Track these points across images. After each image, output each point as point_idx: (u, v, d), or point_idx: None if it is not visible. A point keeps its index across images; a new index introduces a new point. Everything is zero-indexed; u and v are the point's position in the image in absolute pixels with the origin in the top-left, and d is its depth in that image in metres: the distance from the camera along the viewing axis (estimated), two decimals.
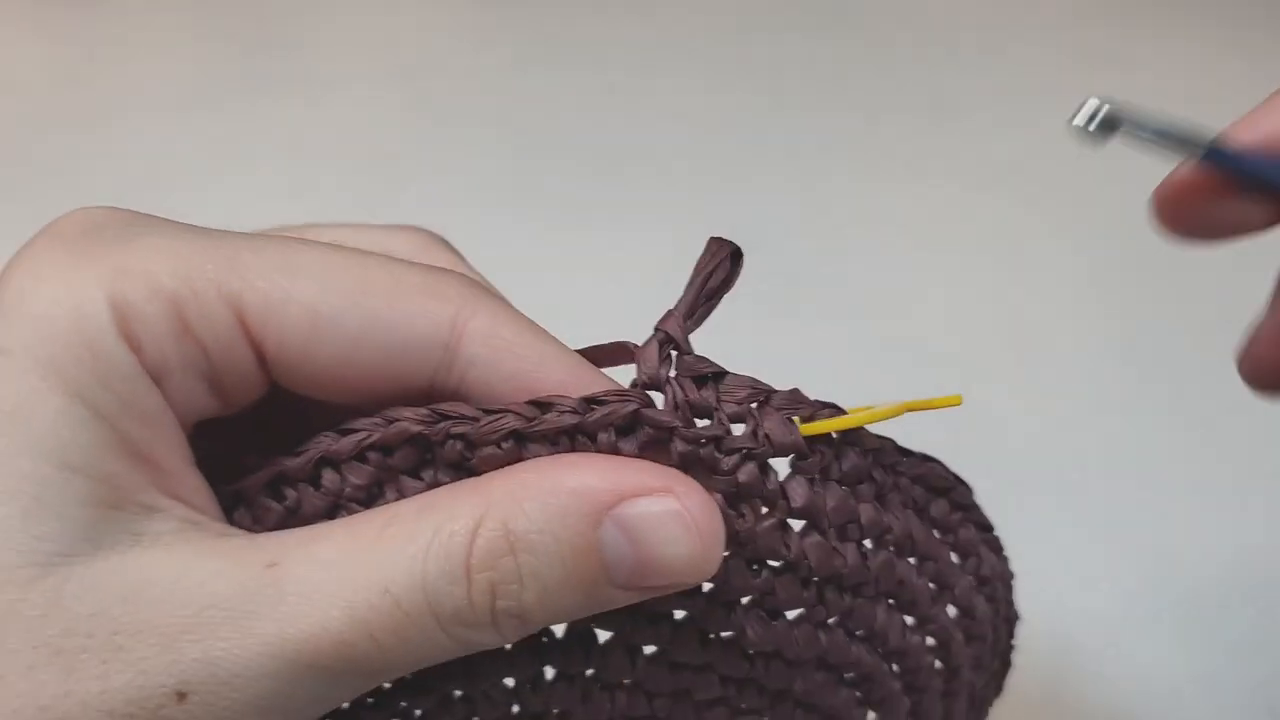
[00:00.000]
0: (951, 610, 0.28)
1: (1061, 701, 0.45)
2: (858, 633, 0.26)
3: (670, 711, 0.27)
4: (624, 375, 0.26)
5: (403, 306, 0.23)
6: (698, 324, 0.25)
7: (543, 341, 0.24)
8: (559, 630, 0.25)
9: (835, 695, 0.27)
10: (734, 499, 0.24)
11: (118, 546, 0.21)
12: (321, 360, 0.23)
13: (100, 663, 0.21)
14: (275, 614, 0.21)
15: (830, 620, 0.26)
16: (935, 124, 0.79)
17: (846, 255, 0.67)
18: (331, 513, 0.24)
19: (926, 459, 0.26)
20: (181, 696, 0.21)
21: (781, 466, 0.24)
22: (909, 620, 0.27)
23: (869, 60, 0.85)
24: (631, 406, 0.23)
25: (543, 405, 0.23)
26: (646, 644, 0.26)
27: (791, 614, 0.26)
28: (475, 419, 0.23)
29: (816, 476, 0.24)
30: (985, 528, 0.28)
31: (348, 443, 0.24)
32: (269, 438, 0.26)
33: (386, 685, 0.25)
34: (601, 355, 0.26)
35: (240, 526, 0.24)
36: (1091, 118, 0.20)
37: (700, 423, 0.24)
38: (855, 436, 0.25)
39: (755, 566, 0.25)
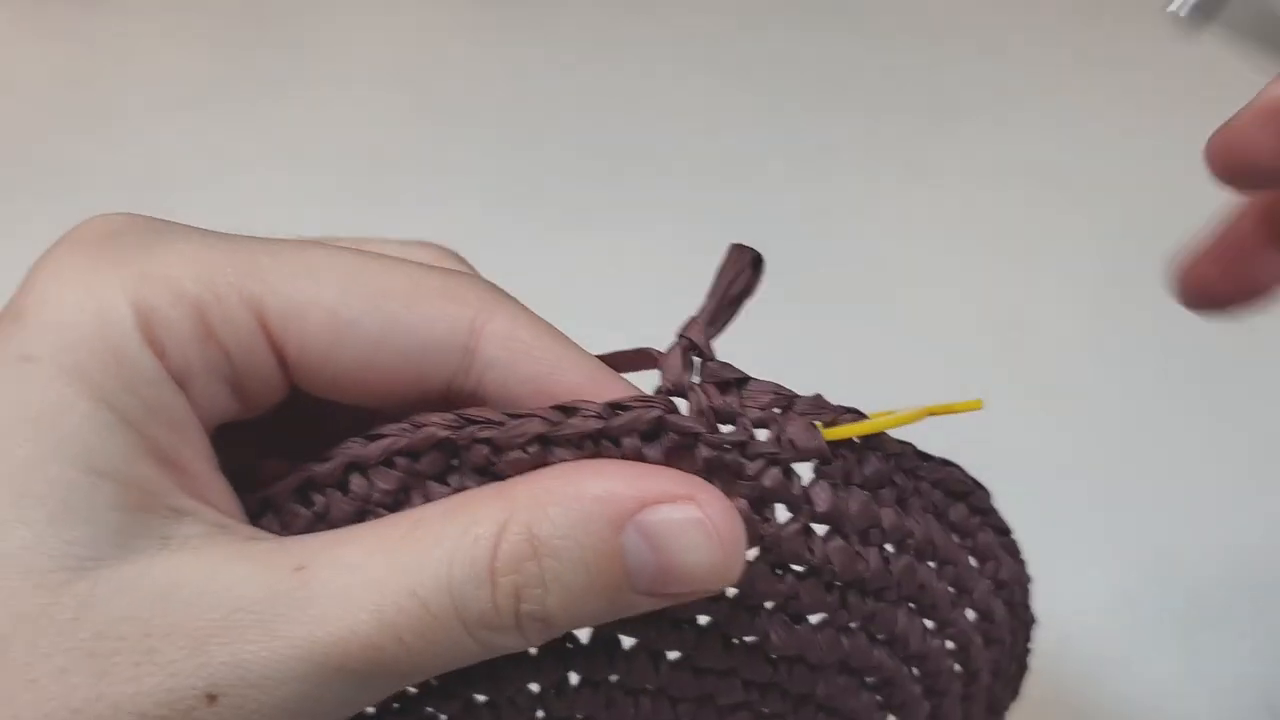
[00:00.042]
0: (970, 614, 0.28)
1: (1061, 701, 0.45)
2: (879, 637, 0.26)
3: (694, 716, 0.27)
4: (643, 379, 0.26)
5: (422, 310, 0.24)
6: (720, 330, 0.25)
7: (560, 345, 0.24)
8: (583, 636, 0.25)
9: (857, 699, 0.27)
10: (758, 503, 0.24)
11: (147, 550, 0.21)
12: (342, 363, 0.24)
13: (132, 665, 0.21)
14: (304, 617, 0.21)
15: (852, 624, 0.26)
16: (936, 124, 0.79)
17: (847, 255, 0.67)
18: (359, 518, 0.24)
19: (946, 463, 0.27)
20: (211, 699, 0.21)
21: (804, 471, 0.25)
22: (929, 624, 0.27)
23: (870, 60, 0.85)
24: (656, 412, 0.23)
25: (567, 410, 0.23)
26: (670, 649, 0.26)
27: (814, 618, 0.26)
28: (501, 423, 0.23)
29: (839, 481, 0.24)
30: (1003, 531, 0.28)
31: (376, 448, 0.24)
32: (285, 443, 0.26)
33: (412, 690, 0.25)
34: (624, 361, 0.26)
35: (268, 532, 0.24)
36: (1184, 8, 0.20)
37: (724, 428, 0.24)
38: (876, 441, 0.25)
39: (779, 571, 0.25)
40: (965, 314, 0.64)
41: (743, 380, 0.24)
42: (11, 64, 0.82)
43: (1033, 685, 0.32)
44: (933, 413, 0.24)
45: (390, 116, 0.79)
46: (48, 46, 0.84)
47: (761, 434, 0.24)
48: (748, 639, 0.26)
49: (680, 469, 0.24)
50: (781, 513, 0.25)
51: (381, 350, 0.24)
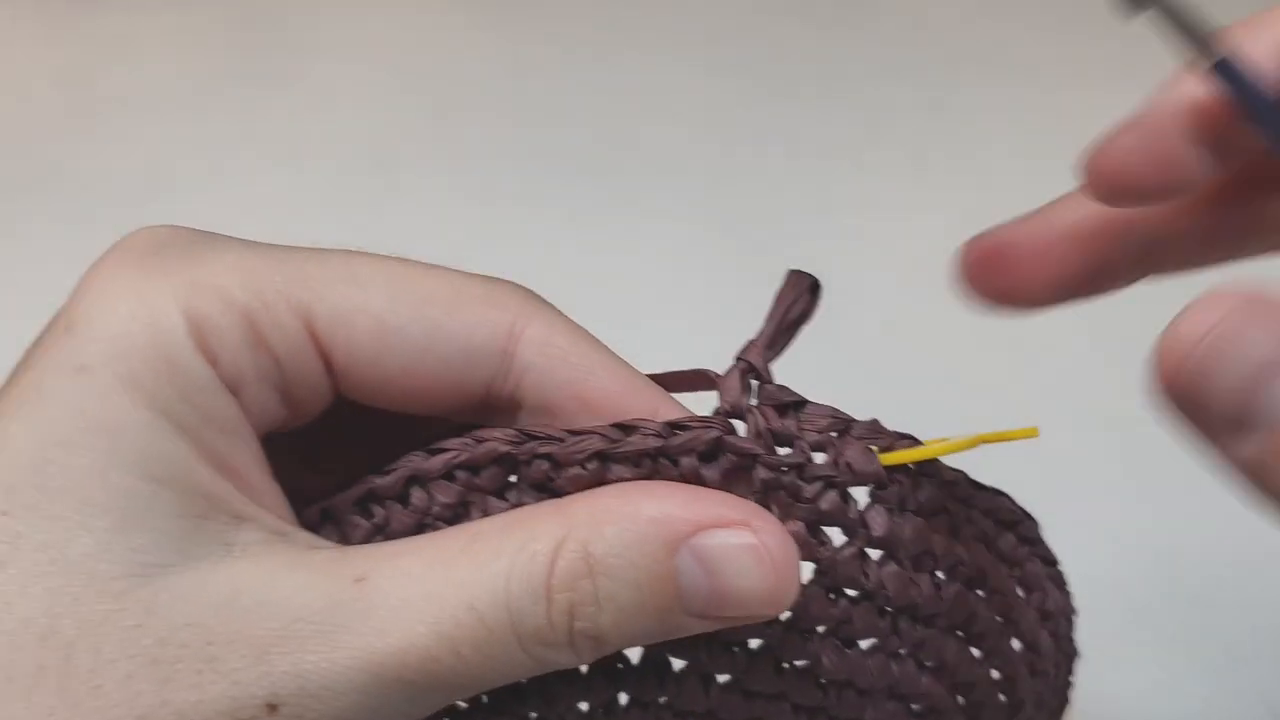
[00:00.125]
0: (1016, 644, 0.28)
1: None
2: (928, 664, 0.27)
3: None
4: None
5: (464, 316, 0.24)
6: (778, 354, 0.25)
7: (595, 351, 0.25)
8: (634, 657, 0.26)
9: None
10: (814, 526, 0.24)
11: (209, 557, 0.22)
12: (387, 369, 0.24)
13: (195, 673, 0.21)
14: (363, 628, 0.21)
15: (902, 651, 0.26)
16: (936, 123, 0.79)
17: (848, 254, 0.67)
18: (417, 530, 0.24)
19: (997, 493, 0.27)
20: (272, 709, 0.21)
21: (858, 496, 0.25)
22: (977, 653, 0.27)
23: (871, 60, 0.85)
24: (715, 433, 0.24)
25: (627, 428, 0.24)
26: (721, 673, 0.26)
27: (865, 644, 0.26)
28: (561, 439, 0.24)
29: (895, 506, 0.25)
30: (1050, 562, 0.28)
31: (437, 461, 0.24)
32: (324, 458, 0.27)
33: (462, 705, 0.25)
34: (681, 381, 0.26)
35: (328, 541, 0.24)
36: None
37: (781, 451, 0.24)
38: (931, 468, 0.25)
39: (833, 595, 0.25)
40: (964, 311, 0.63)
41: (800, 403, 0.25)
42: (11, 64, 0.82)
43: None
44: (986, 440, 0.24)
45: (391, 116, 0.79)
46: (48, 46, 0.84)
47: (819, 457, 0.24)
48: (799, 663, 0.26)
49: (737, 490, 0.24)
50: (837, 536, 0.25)
51: (426, 356, 0.24)
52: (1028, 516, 0.27)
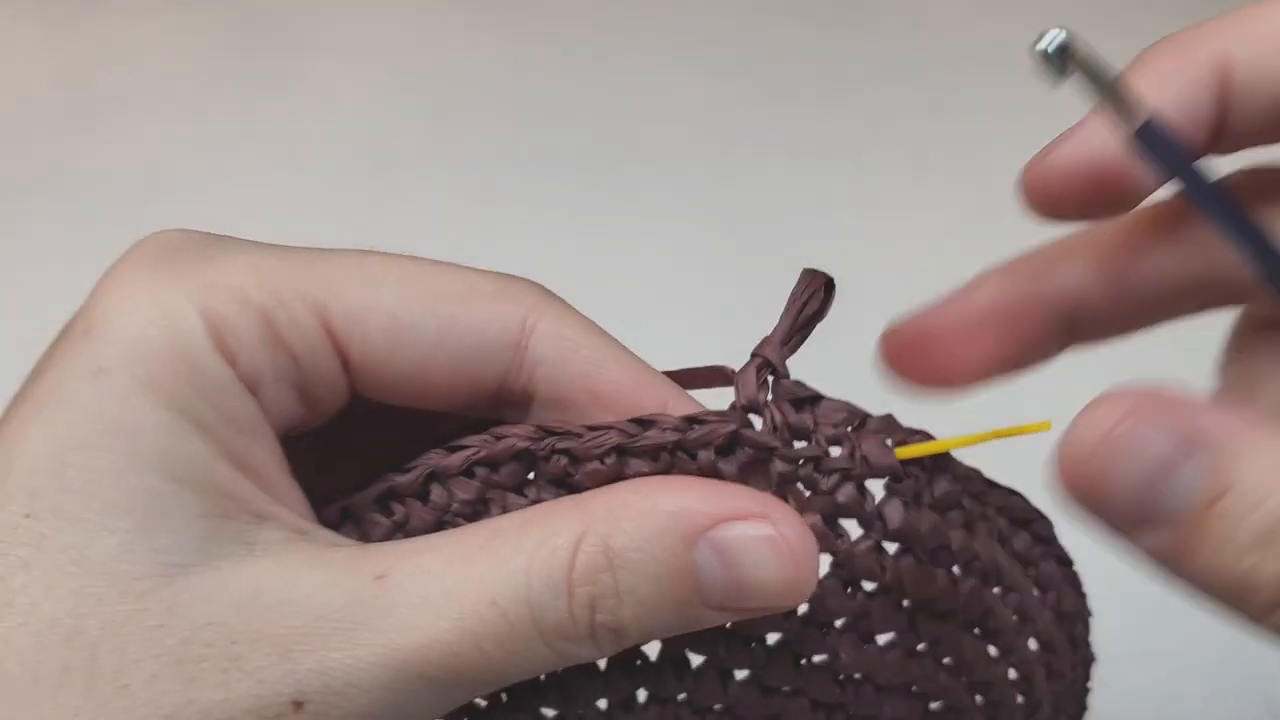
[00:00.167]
0: (1033, 644, 0.28)
1: None
2: (945, 661, 0.27)
3: None
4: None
5: (477, 311, 0.24)
6: (792, 351, 0.25)
7: (607, 344, 0.25)
8: (652, 653, 0.26)
9: None
10: (831, 519, 0.25)
11: (231, 557, 0.22)
12: (402, 365, 0.24)
13: (220, 671, 0.21)
14: (385, 625, 0.22)
15: (920, 647, 0.26)
16: (936, 123, 0.79)
17: (849, 254, 0.67)
18: (438, 528, 0.24)
19: (1012, 492, 0.27)
20: (298, 706, 0.21)
21: (874, 490, 0.25)
22: (993, 650, 0.27)
23: (871, 60, 0.85)
24: (731, 426, 0.24)
25: (644, 422, 0.24)
26: (739, 668, 0.26)
27: (883, 639, 0.26)
28: (579, 435, 0.24)
29: (910, 500, 0.25)
30: (1065, 562, 0.28)
31: (457, 458, 0.24)
32: (338, 460, 0.27)
33: (481, 703, 0.25)
34: (697, 378, 0.26)
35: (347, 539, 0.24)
36: (1052, 45, 0.20)
37: (798, 445, 0.24)
38: (945, 463, 0.25)
39: (850, 589, 0.25)
40: None
41: (816, 398, 0.25)
42: (12, 64, 0.82)
43: None
44: (1000, 435, 0.25)
45: (391, 116, 0.79)
46: (48, 47, 0.84)
47: (835, 451, 0.24)
48: (817, 658, 0.26)
49: (754, 484, 0.24)
50: (854, 530, 0.25)
51: (440, 351, 0.24)
52: (1042, 515, 0.27)
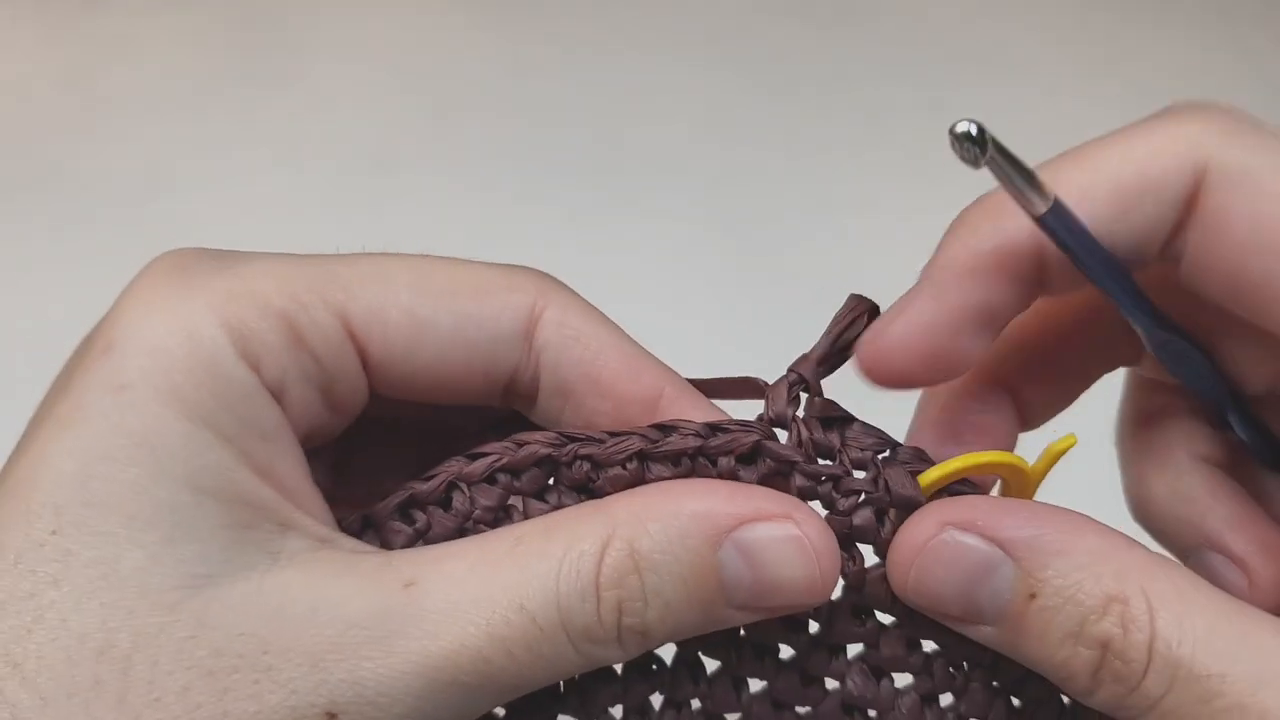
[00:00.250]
0: (1065, 699, 0.27)
1: None
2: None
3: None
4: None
5: (490, 303, 0.25)
6: (829, 371, 0.25)
7: (607, 332, 0.25)
8: (668, 658, 0.26)
9: None
10: (845, 541, 0.24)
11: (257, 567, 0.22)
12: (420, 360, 0.24)
13: (252, 683, 0.21)
14: (417, 632, 0.22)
15: (940, 698, 0.26)
16: (936, 123, 0.79)
17: (849, 254, 0.67)
18: (459, 534, 0.25)
19: None
20: (332, 717, 0.21)
21: None
22: (1017, 702, 0.26)
23: (871, 60, 0.85)
24: (754, 437, 0.24)
25: (666, 428, 0.24)
26: (752, 677, 0.26)
27: (900, 682, 0.26)
28: (601, 441, 0.24)
29: None
30: None
31: (479, 465, 0.25)
32: (355, 471, 0.27)
33: (500, 713, 0.26)
34: (728, 388, 0.27)
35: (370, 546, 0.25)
36: (968, 130, 0.21)
37: (822, 463, 0.25)
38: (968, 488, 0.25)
39: (862, 616, 0.25)
40: None
41: (847, 420, 0.25)
42: (12, 64, 0.82)
43: None
44: (1004, 460, 0.25)
45: (391, 116, 0.79)
46: (48, 47, 0.84)
47: (858, 474, 0.25)
48: (828, 683, 0.26)
49: None
50: (870, 555, 0.25)
51: (456, 344, 0.25)
52: None
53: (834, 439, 0.25)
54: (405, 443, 0.28)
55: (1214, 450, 0.28)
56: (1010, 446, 0.28)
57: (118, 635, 0.21)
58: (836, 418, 0.25)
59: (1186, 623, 0.22)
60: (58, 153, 0.74)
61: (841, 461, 0.25)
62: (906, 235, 0.71)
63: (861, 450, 0.25)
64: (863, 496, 0.24)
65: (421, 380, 0.25)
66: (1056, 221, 0.23)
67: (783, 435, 0.25)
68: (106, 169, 0.73)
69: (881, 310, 0.25)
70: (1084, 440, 0.25)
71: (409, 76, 0.82)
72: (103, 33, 0.85)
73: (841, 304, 0.26)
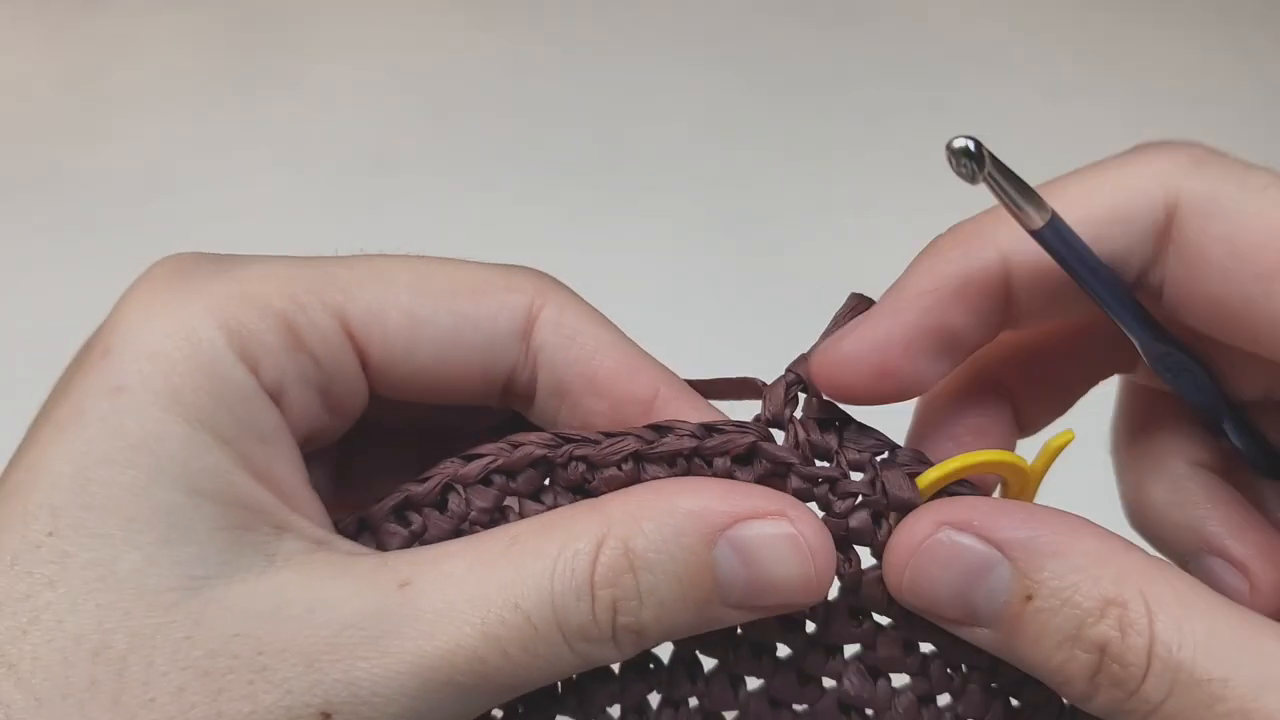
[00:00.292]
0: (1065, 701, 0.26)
1: None
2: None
3: None
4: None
5: (488, 302, 0.25)
6: None
7: (603, 330, 0.26)
8: (665, 657, 0.26)
9: None
10: (842, 543, 0.24)
11: (253, 568, 0.22)
12: (419, 360, 0.25)
13: (247, 683, 0.21)
14: (412, 632, 0.22)
15: (937, 698, 0.26)
16: (936, 123, 0.79)
17: (849, 254, 0.67)
18: (455, 536, 0.25)
19: None
20: (326, 717, 0.21)
21: None
22: (1015, 703, 0.26)
23: (871, 60, 0.85)
24: (750, 438, 0.24)
25: (661, 429, 0.24)
26: (749, 675, 0.26)
27: (898, 682, 0.26)
28: (596, 441, 0.24)
29: None
30: None
31: (475, 466, 0.25)
32: (354, 476, 0.28)
33: (498, 714, 0.26)
34: (726, 388, 0.26)
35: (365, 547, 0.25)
36: (966, 146, 0.21)
37: (819, 464, 0.25)
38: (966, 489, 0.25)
39: (859, 617, 0.25)
40: None
41: (845, 421, 0.25)
42: (12, 64, 0.82)
43: None
44: (1002, 459, 0.25)
45: (391, 116, 0.79)
46: (49, 47, 0.84)
47: (856, 476, 0.24)
48: (825, 681, 0.26)
49: None
50: (867, 557, 0.25)
51: (454, 344, 0.25)
52: None
53: (831, 440, 0.25)
54: (407, 445, 0.28)
55: (1210, 456, 0.28)
56: (1008, 450, 0.28)
57: (113, 636, 0.21)
58: (834, 419, 0.25)
59: (1186, 626, 0.22)
60: (58, 153, 0.74)
61: (839, 463, 0.25)
62: (906, 235, 0.70)
63: (859, 452, 0.25)
64: (859, 499, 0.24)
65: (421, 380, 0.25)
66: (1054, 236, 0.23)
67: (780, 436, 0.25)
68: (106, 169, 0.73)
69: (874, 297, 0.25)
70: (1080, 444, 0.25)
71: (409, 76, 0.82)
72: (103, 33, 0.84)
73: (841, 304, 0.26)
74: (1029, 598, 0.22)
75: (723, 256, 0.69)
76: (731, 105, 0.80)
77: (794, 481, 0.24)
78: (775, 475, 0.24)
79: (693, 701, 0.26)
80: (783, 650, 0.26)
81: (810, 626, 0.25)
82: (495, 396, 0.26)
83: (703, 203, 0.72)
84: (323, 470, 0.27)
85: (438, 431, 0.28)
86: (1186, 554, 0.27)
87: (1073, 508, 0.24)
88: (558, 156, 0.76)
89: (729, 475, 0.24)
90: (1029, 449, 0.26)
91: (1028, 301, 0.25)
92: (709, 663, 0.26)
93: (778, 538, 0.23)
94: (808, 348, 0.25)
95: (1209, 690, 0.21)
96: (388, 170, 0.75)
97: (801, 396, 0.25)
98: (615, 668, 0.26)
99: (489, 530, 0.24)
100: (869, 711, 0.26)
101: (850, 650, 0.26)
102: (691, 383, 0.26)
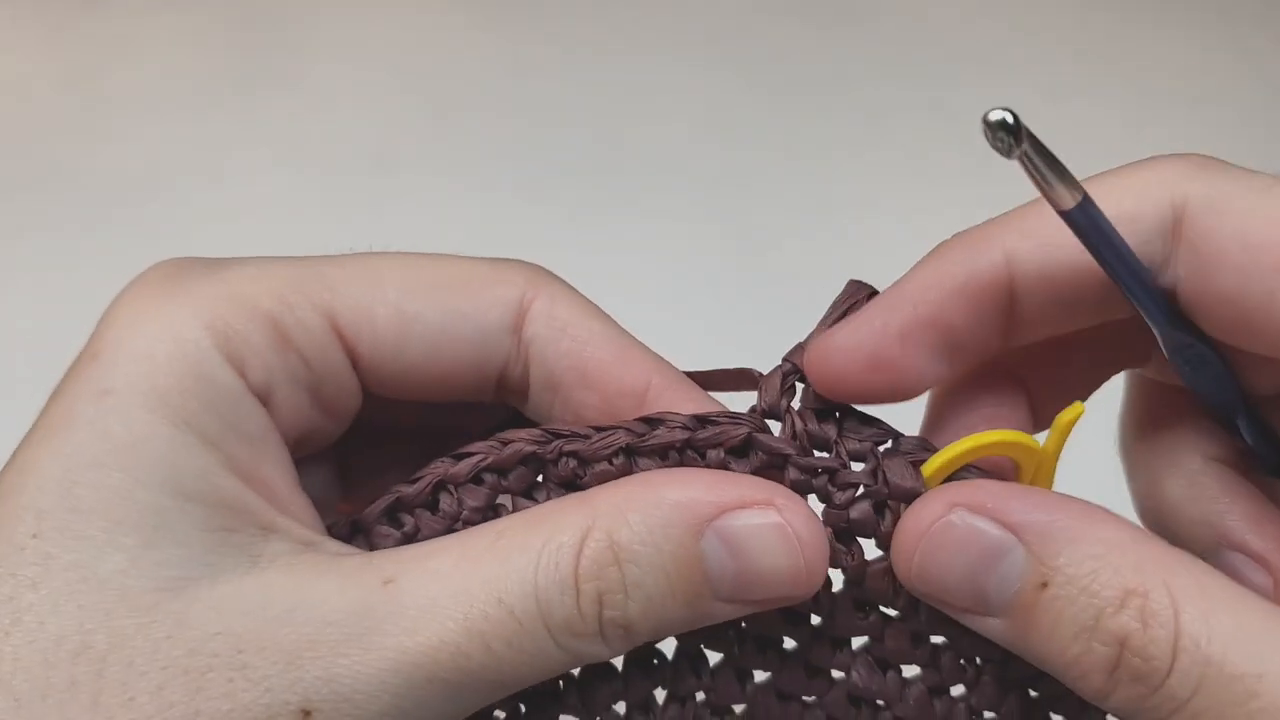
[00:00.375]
0: None
1: None
2: (987, 715, 0.25)
3: None
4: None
5: (478, 297, 0.25)
6: None
7: (595, 321, 0.25)
8: (669, 652, 0.26)
9: None
10: (844, 535, 0.24)
11: (238, 569, 0.22)
12: (410, 357, 0.24)
13: (226, 681, 0.21)
14: (394, 629, 0.22)
15: (951, 690, 0.25)
16: (936, 123, 0.79)
17: (849, 254, 0.67)
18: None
19: None
20: (306, 715, 0.21)
21: None
22: (1034, 693, 0.25)
23: (871, 60, 0.85)
24: (744, 429, 0.24)
25: (652, 421, 0.24)
26: (756, 669, 0.26)
27: (909, 673, 0.25)
28: (586, 436, 0.24)
29: None
30: None
31: (464, 465, 0.24)
32: (355, 482, 0.27)
33: (500, 715, 0.25)
34: (724, 380, 0.26)
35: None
36: (1003, 118, 0.21)
37: (817, 455, 0.24)
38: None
39: (865, 608, 0.25)
40: None
41: (845, 411, 0.25)
42: (12, 64, 0.82)
43: None
44: (1008, 439, 0.24)
45: (391, 116, 0.79)
46: (49, 47, 0.84)
47: (857, 466, 0.24)
48: (833, 674, 0.26)
49: None
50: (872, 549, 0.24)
51: (445, 339, 0.24)
52: None
53: (829, 430, 0.24)
54: (410, 447, 0.28)
55: (1225, 450, 0.27)
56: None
57: (94, 637, 0.21)
58: (833, 409, 0.25)
59: (1214, 619, 0.20)
60: (58, 153, 0.74)
61: (838, 453, 0.24)
62: (906, 235, 0.71)
63: (860, 442, 0.24)
64: (860, 489, 0.24)
65: (412, 377, 0.25)
66: (1083, 217, 0.22)
67: (776, 428, 0.24)
68: (106, 169, 0.73)
69: (879, 294, 0.25)
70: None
71: (409, 76, 0.82)
72: (103, 33, 0.84)
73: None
74: (1044, 585, 0.21)
75: (723, 256, 0.69)
76: (731, 105, 0.80)
77: (792, 473, 0.24)
78: (772, 467, 0.24)
79: (699, 696, 0.26)
80: (789, 643, 0.26)
81: (815, 619, 0.25)
82: (490, 392, 0.26)
83: (703, 203, 0.72)
84: (326, 472, 0.27)
85: (442, 432, 0.28)
86: (1204, 550, 0.26)
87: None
88: (558, 156, 0.76)
89: (724, 468, 0.24)
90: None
91: (1030, 309, 0.24)
92: (714, 657, 0.26)
93: (764, 528, 0.22)
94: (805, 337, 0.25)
95: (1242, 686, 0.20)
96: (388, 170, 0.75)
97: (799, 387, 0.25)
98: (619, 665, 0.25)
99: (478, 526, 0.24)
100: (880, 703, 0.25)
101: (859, 642, 0.26)
102: (687, 374, 0.26)
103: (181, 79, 0.81)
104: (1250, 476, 0.27)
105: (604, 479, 0.24)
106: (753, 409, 0.24)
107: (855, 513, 0.24)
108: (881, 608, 0.25)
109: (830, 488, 0.24)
